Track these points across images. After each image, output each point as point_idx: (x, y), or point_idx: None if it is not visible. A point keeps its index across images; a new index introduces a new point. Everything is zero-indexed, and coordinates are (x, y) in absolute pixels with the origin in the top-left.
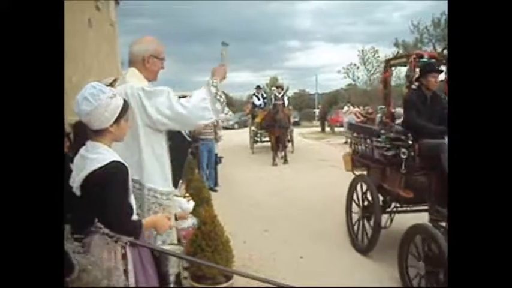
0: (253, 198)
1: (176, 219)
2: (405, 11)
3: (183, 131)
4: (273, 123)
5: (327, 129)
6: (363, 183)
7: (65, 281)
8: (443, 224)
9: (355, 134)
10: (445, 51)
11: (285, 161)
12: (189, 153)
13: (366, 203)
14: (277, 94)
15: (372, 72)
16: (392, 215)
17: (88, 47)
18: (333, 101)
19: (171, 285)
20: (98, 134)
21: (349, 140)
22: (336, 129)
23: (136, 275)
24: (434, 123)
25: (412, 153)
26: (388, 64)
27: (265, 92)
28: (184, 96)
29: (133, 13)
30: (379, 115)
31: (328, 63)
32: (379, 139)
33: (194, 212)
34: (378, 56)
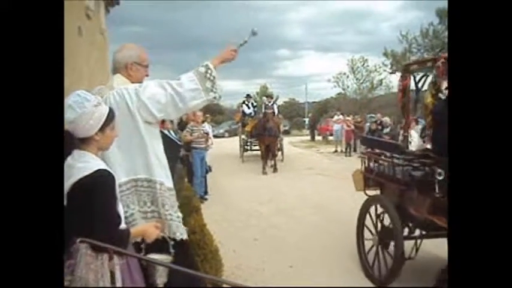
0: (242, 207)
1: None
2: (393, 21)
3: (172, 136)
4: (263, 131)
5: (319, 138)
6: (378, 205)
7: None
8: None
9: (369, 149)
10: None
11: (275, 170)
12: (179, 161)
13: (381, 228)
14: (267, 103)
15: (361, 81)
16: (418, 243)
17: (78, 55)
18: (323, 109)
19: None
20: (83, 143)
21: (338, 149)
22: (330, 137)
23: (123, 283)
24: None
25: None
26: (408, 70)
27: (255, 101)
28: None
29: (124, 21)
30: (367, 124)
31: (318, 72)
32: (401, 156)
33: (183, 221)
34: (367, 65)
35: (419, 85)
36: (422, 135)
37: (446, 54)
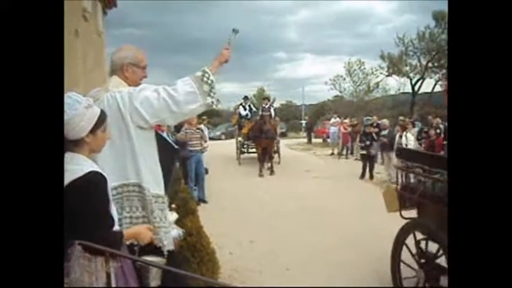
0: (239, 209)
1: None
2: (389, 24)
3: (168, 139)
4: (259, 134)
5: (318, 140)
6: (419, 232)
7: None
8: None
9: (408, 163)
10: (429, 64)
11: (272, 172)
12: (176, 163)
13: (426, 259)
14: (264, 105)
15: (358, 83)
16: None
17: (75, 56)
18: (320, 112)
19: None
20: (75, 145)
21: (335, 151)
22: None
23: (118, 285)
24: None
25: None
26: None
27: (252, 103)
28: None
29: (121, 23)
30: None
31: (315, 75)
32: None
33: (180, 223)
34: (364, 68)
35: (416, 88)
36: (418, 138)
37: None
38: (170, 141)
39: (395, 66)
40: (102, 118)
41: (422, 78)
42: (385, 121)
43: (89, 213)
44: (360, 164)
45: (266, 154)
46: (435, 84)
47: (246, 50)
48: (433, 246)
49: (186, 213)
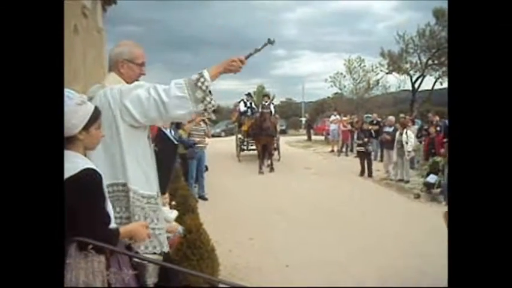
0: (239, 207)
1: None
2: (389, 21)
3: (170, 135)
4: (259, 131)
5: (318, 137)
6: None
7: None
8: None
9: None
10: (430, 61)
11: (271, 169)
12: (177, 160)
13: None
14: (264, 102)
15: (358, 81)
16: None
17: (74, 53)
18: (320, 109)
19: None
20: (68, 142)
21: (334, 149)
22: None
23: (114, 283)
24: None
25: None
26: None
27: (252, 101)
28: None
29: (121, 20)
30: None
31: (314, 72)
32: None
33: (180, 221)
34: (364, 65)
35: (416, 85)
36: (418, 136)
37: None
38: (171, 137)
39: (395, 63)
40: (95, 115)
41: (423, 75)
42: (391, 118)
43: (84, 210)
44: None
45: (266, 151)
46: (435, 82)
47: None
48: None
49: (186, 210)
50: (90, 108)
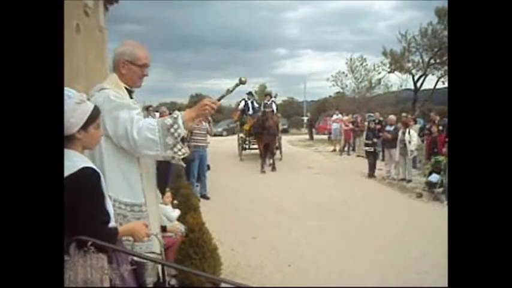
0: (241, 206)
1: (165, 231)
2: (391, 20)
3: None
4: (261, 130)
5: (320, 136)
6: None
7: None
8: None
9: None
10: (432, 60)
11: (273, 169)
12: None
13: None
14: (266, 101)
15: (360, 80)
16: None
17: (76, 52)
18: (322, 108)
19: None
20: (67, 141)
21: (336, 148)
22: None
23: (113, 282)
24: None
25: None
26: None
27: (254, 100)
28: (175, 104)
29: (123, 19)
30: (366, 123)
31: (316, 71)
32: None
33: (182, 220)
34: (366, 65)
35: (418, 84)
36: (420, 135)
37: None
38: None
39: (397, 62)
40: (94, 115)
41: (425, 74)
42: (392, 117)
43: (83, 209)
44: (362, 160)
45: (268, 150)
46: (437, 81)
47: (247, 47)
48: None
49: (188, 209)
50: (89, 107)
